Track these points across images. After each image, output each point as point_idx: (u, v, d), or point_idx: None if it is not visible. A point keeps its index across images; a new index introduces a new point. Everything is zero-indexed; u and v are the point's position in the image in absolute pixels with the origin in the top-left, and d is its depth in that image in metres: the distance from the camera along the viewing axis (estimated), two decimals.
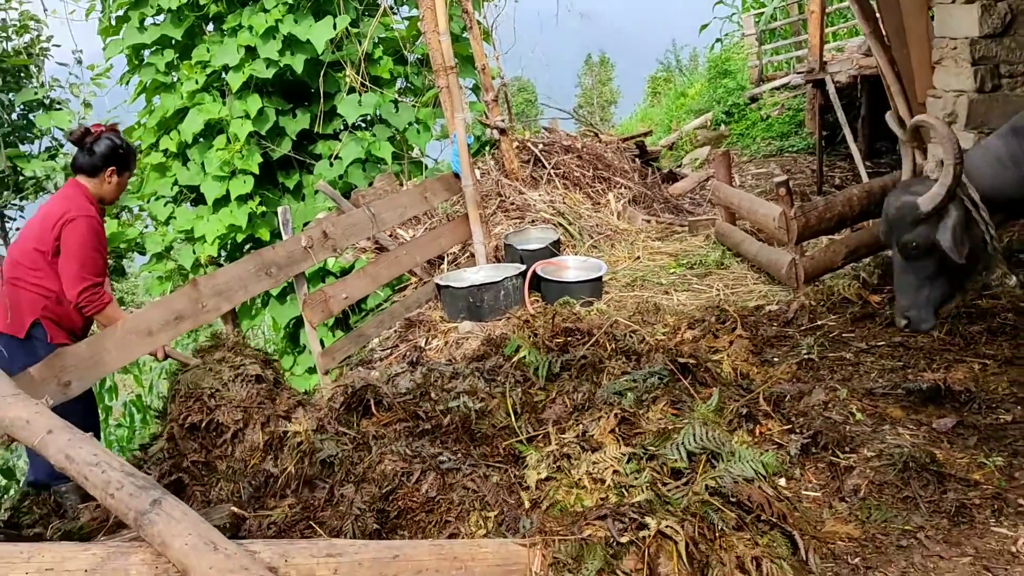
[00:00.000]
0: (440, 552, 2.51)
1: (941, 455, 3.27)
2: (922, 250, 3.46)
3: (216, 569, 2.02)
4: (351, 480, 3.12)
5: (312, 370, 8.53)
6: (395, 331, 5.73)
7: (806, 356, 4.38)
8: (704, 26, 16.42)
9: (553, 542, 2.60)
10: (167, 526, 2.14)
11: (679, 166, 12.34)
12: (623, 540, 2.60)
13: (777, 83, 13.06)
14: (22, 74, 8.66)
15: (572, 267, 5.96)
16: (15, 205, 8.79)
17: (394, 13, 9.72)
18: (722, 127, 13.42)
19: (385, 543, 2.53)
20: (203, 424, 3.53)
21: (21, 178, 8.32)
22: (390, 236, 7.08)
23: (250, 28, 8.86)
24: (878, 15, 6.69)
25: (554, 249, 6.22)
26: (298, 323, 9.25)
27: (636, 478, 2.90)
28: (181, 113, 9.27)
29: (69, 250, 3.85)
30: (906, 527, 2.90)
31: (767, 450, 3.16)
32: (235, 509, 3.24)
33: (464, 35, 8.64)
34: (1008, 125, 3.61)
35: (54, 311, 3.89)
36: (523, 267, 5.77)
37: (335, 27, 8.63)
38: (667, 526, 2.61)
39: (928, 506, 3.00)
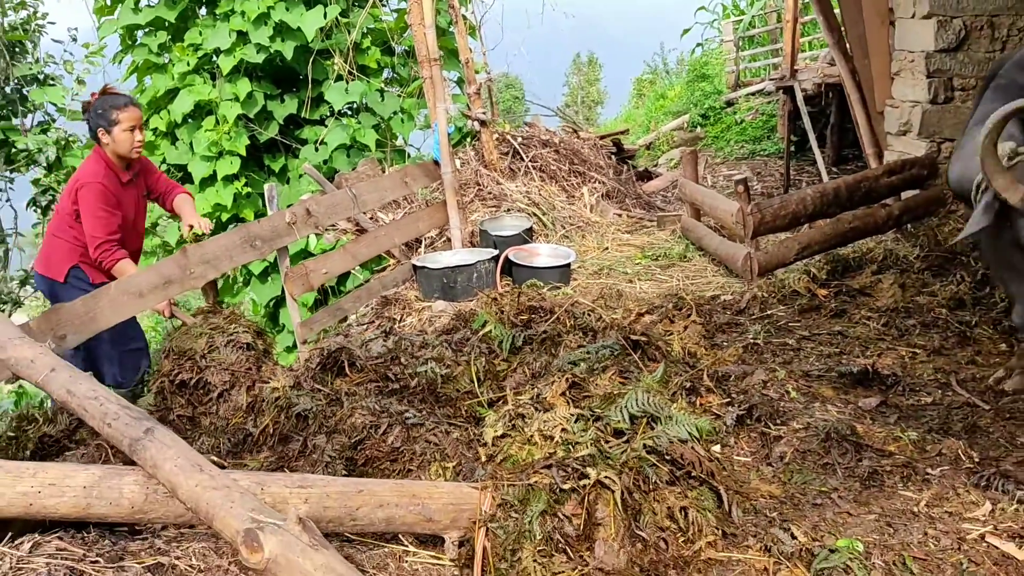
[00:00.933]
0: (400, 490, 2.81)
1: (862, 429, 3.60)
2: None
3: (201, 487, 2.30)
4: (323, 431, 3.40)
5: (291, 348, 8.78)
6: (372, 307, 6.02)
7: (752, 341, 4.72)
8: (686, 31, 16.81)
9: (502, 486, 2.91)
10: (158, 451, 2.43)
11: (655, 165, 12.69)
12: (565, 487, 2.90)
13: (752, 89, 13.45)
14: (17, 49, 8.86)
15: (542, 254, 6.27)
16: (5, 177, 8.99)
17: (383, 5, 9.98)
18: (698, 129, 13.79)
19: (352, 479, 2.83)
20: (192, 382, 3.80)
21: (13, 151, 8.53)
22: (371, 219, 7.36)
23: (242, 14, 9.10)
24: (842, 27, 7.05)
25: (526, 236, 6.53)
26: (278, 303, 9.50)
27: (582, 436, 3.21)
28: (172, 93, 9.48)
29: (84, 213, 4.48)
30: (822, 488, 3.23)
31: (703, 417, 3.48)
32: (214, 458, 3.53)
33: (451, 29, 8.92)
34: (968, 124, 3.79)
35: (88, 259, 4.58)
36: (496, 252, 6.07)
37: (325, 16, 8.89)
38: (605, 476, 2.92)
39: (844, 471, 3.33)
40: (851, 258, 5.71)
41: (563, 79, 38.76)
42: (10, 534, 2.34)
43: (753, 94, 13.38)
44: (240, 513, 2.17)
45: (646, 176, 10.95)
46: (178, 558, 2.47)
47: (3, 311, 8.36)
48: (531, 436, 3.30)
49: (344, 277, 8.70)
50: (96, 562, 2.33)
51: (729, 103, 13.95)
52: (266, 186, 5.26)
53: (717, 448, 3.55)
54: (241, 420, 3.80)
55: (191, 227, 4.80)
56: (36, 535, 2.39)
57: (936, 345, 4.48)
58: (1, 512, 2.37)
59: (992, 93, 3.71)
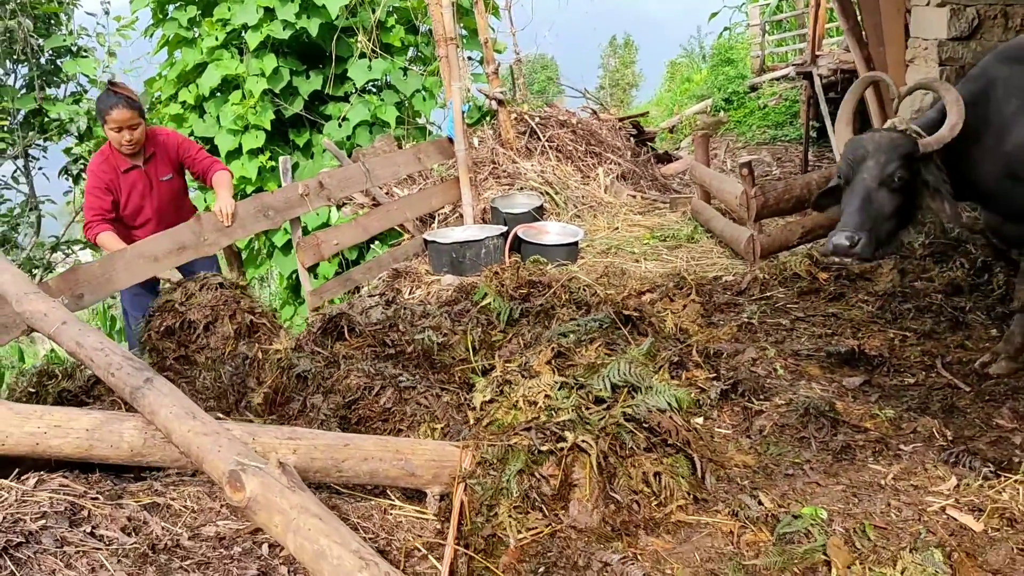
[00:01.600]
0: (385, 445, 2.97)
1: (841, 406, 3.71)
2: (899, 187, 3.56)
3: (193, 432, 2.48)
4: (320, 391, 3.57)
5: None
6: (383, 279, 6.19)
7: (747, 320, 4.82)
8: (714, 14, 16.77)
9: (483, 446, 3.06)
10: (156, 399, 2.61)
11: (677, 148, 12.73)
12: (543, 449, 3.05)
13: (777, 74, 13.41)
14: (52, 21, 9.11)
15: (551, 232, 6.39)
16: (39, 146, 9.27)
17: None
18: (721, 113, 13.78)
19: (339, 434, 3.00)
20: (177, 325, 3.99)
21: (47, 120, 8.79)
22: (387, 194, 7.52)
23: None
24: (859, 14, 7.07)
25: (536, 214, 6.65)
26: None
27: (564, 403, 3.35)
28: (200, 67, 9.70)
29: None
30: (795, 460, 3.35)
31: (683, 388, 3.60)
32: (219, 414, 3.72)
33: (473, 9, 9.03)
34: (939, 104, 3.83)
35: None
36: (505, 228, 6.21)
37: None
38: (583, 440, 3.06)
39: (819, 445, 3.44)
40: None
41: (599, 60, 38.54)
42: (16, 470, 2.53)
43: (777, 79, 13.34)
44: (226, 456, 2.34)
45: (666, 159, 11.00)
46: (173, 499, 2.66)
47: (35, 276, 8.65)
48: (516, 402, 3.44)
49: (365, 251, 8.91)
50: (96, 499, 2.51)
51: (753, 88, 13.93)
52: (281, 159, 5.44)
53: (700, 420, 3.67)
54: (233, 347, 3.98)
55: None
56: (42, 473, 2.59)
57: (927, 329, 4.55)
58: (10, 450, 2.57)
59: (964, 85, 3.76)
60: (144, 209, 4.98)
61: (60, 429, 2.58)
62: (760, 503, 3.04)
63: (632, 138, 10.24)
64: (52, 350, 8.93)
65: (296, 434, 2.84)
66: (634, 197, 8.06)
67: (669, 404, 3.39)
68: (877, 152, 3.61)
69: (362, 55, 9.32)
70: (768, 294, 5.30)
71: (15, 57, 8.71)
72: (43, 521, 2.32)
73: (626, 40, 37.84)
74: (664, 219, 7.39)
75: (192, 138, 9.90)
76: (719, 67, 14.80)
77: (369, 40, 9.06)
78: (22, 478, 2.51)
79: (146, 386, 2.64)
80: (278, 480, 2.25)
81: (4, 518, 2.28)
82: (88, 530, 2.36)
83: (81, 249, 10.17)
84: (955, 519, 2.89)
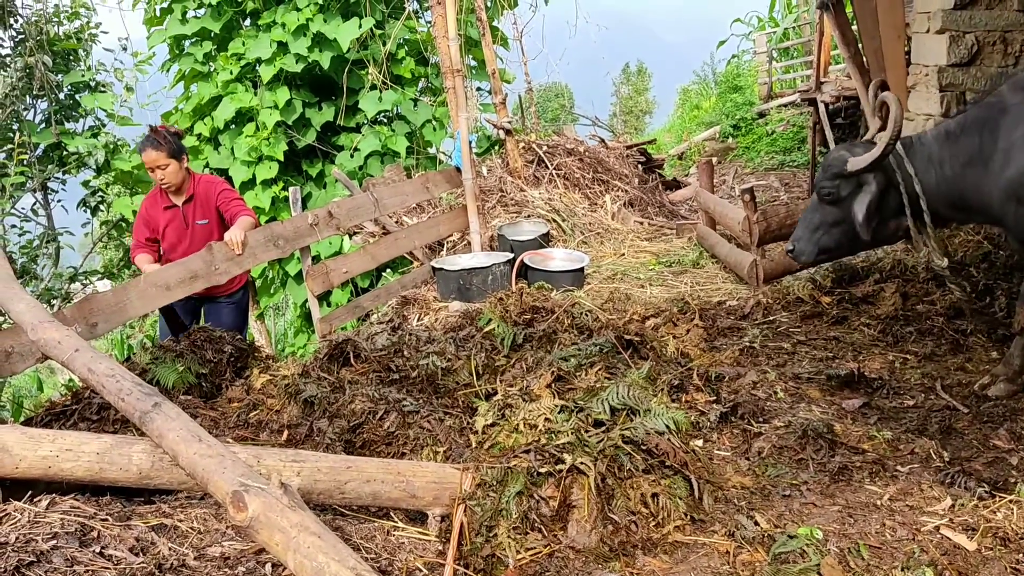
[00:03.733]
0: (387, 468, 3.04)
1: (840, 428, 3.75)
2: (831, 200, 3.98)
3: (198, 454, 2.56)
4: (326, 416, 3.65)
5: None
6: (391, 306, 6.29)
7: (749, 344, 4.87)
8: (722, 42, 16.94)
9: (482, 467, 3.13)
10: (164, 423, 2.69)
11: (686, 175, 12.83)
12: (542, 471, 3.11)
13: (784, 100, 13.52)
14: (71, 57, 9.35)
15: (557, 258, 6.48)
16: (58, 179, 9.47)
17: (419, 17, 10.30)
18: (729, 140, 13.89)
19: (342, 456, 3.07)
20: None
21: (65, 153, 8.99)
22: (396, 223, 7.64)
23: (283, 25, 9.50)
24: (859, 41, 7.16)
25: (543, 241, 6.75)
26: None
27: (564, 425, 3.41)
28: (215, 101, 9.92)
29: None
30: (793, 482, 3.39)
31: (680, 410, 3.66)
32: (230, 440, 3.81)
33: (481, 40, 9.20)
34: (942, 126, 3.96)
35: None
36: (512, 255, 6.30)
37: (360, 27, 9.23)
38: (581, 462, 3.13)
39: (816, 466, 3.48)
40: (859, 267, 5.82)
41: (612, 88, 38.77)
42: (29, 492, 2.62)
43: (784, 105, 13.46)
44: (230, 477, 2.42)
45: (674, 185, 11.10)
46: (180, 520, 2.74)
47: (54, 306, 8.81)
48: (517, 425, 3.51)
49: (377, 279, 9.03)
50: (105, 520, 2.60)
51: (761, 114, 14.05)
52: (291, 189, 5.57)
53: (699, 443, 3.72)
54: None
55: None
56: (54, 495, 2.68)
57: (928, 351, 4.59)
58: (24, 473, 2.66)
59: (975, 109, 3.86)
60: (178, 248, 5.21)
61: (71, 453, 2.67)
62: (756, 523, 3.08)
63: (640, 165, 10.35)
64: (71, 379, 9.08)
65: (300, 456, 2.92)
66: (641, 223, 8.15)
67: (667, 426, 3.45)
68: (820, 170, 4.08)
69: (373, 87, 9.50)
70: (771, 318, 5.35)
71: (34, 93, 8.93)
72: (54, 541, 2.41)
73: (639, 67, 38.09)
74: (670, 245, 7.47)
75: (207, 170, 10.12)
76: (727, 94, 14.94)
77: (380, 72, 9.25)
78: (35, 500, 2.60)
79: (154, 410, 2.73)
80: (279, 500, 2.32)
81: (16, 538, 2.37)
82: (97, 550, 2.44)
83: (99, 279, 10.35)
84: (949, 538, 2.92)
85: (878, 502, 3.20)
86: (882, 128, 3.96)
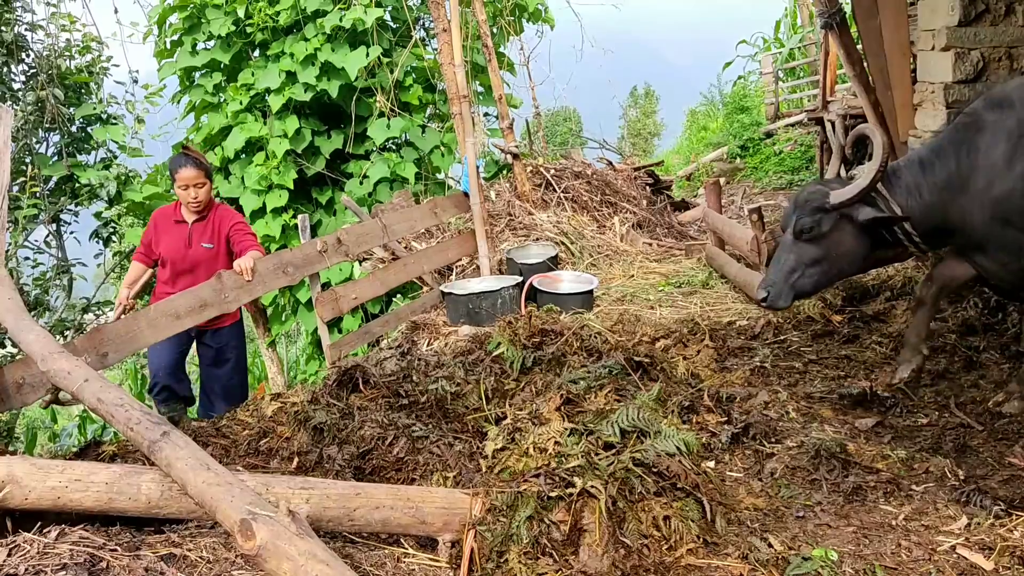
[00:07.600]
0: (396, 494, 3.03)
1: (853, 447, 3.72)
2: (811, 238, 3.76)
3: (207, 483, 2.56)
4: (335, 443, 3.65)
5: None
6: (401, 331, 6.29)
7: (760, 364, 4.85)
8: (728, 64, 17.00)
9: (492, 492, 3.11)
10: (172, 451, 2.69)
11: (695, 196, 12.84)
12: (552, 495, 3.09)
13: (791, 120, 13.55)
14: (83, 90, 9.45)
15: (566, 280, 6.48)
16: (70, 210, 9.54)
17: (425, 45, 10.39)
18: (737, 160, 13.91)
19: (351, 483, 3.06)
20: None
21: (77, 185, 9.06)
22: (405, 248, 7.66)
23: (291, 55, 9.59)
24: (864, 59, 7.16)
25: (551, 264, 6.75)
26: None
27: (574, 448, 3.39)
28: (225, 131, 10.00)
29: None
30: (807, 503, 3.36)
31: (691, 431, 3.63)
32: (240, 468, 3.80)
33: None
34: (914, 153, 3.90)
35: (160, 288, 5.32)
36: (520, 279, 6.30)
37: (367, 56, 9.32)
38: (591, 486, 3.10)
39: (830, 487, 3.45)
40: (870, 285, 5.80)
41: (620, 111, 38.86)
42: (39, 523, 2.62)
43: (792, 125, 13.47)
44: (238, 505, 2.42)
45: (683, 206, 11.10)
46: (190, 550, 2.72)
47: (67, 337, 8.84)
48: (527, 449, 3.49)
49: (387, 305, 9.04)
50: (115, 550, 2.59)
51: (768, 134, 14.07)
52: (300, 217, 5.60)
53: (711, 464, 3.69)
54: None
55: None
56: (64, 526, 2.67)
57: (941, 369, 4.56)
58: (33, 504, 2.66)
59: (949, 131, 3.80)
60: (176, 263, 5.19)
61: (80, 483, 2.67)
62: (770, 545, 3.05)
63: (648, 187, 10.37)
64: (84, 411, 9.10)
65: (309, 484, 2.91)
66: (650, 245, 8.14)
67: (678, 448, 3.42)
68: (794, 208, 3.85)
69: (381, 114, 9.57)
70: (782, 338, 5.33)
71: (46, 126, 9.02)
72: (63, 572, 2.40)
73: (647, 90, 38.24)
74: (679, 266, 7.46)
75: (219, 199, 10.19)
76: (733, 115, 14.98)
77: (388, 99, 9.33)
78: (44, 531, 2.60)
79: (163, 440, 2.73)
80: (287, 528, 2.32)
81: (26, 569, 2.36)
82: None
83: (112, 310, 10.38)
84: (965, 558, 2.89)
85: (893, 522, 3.17)
86: (863, 160, 3.90)
